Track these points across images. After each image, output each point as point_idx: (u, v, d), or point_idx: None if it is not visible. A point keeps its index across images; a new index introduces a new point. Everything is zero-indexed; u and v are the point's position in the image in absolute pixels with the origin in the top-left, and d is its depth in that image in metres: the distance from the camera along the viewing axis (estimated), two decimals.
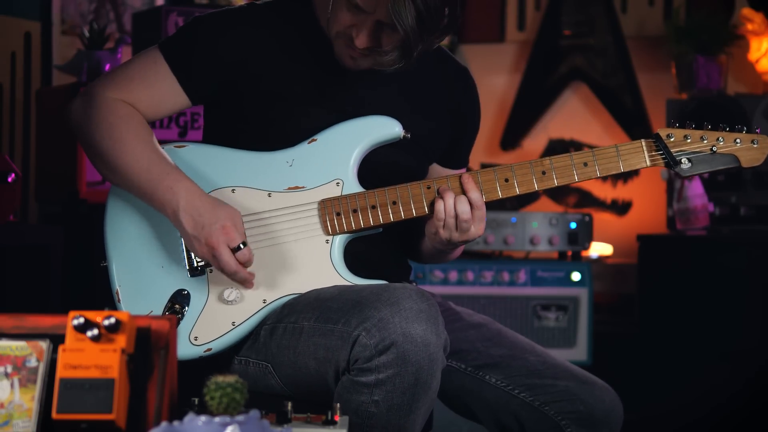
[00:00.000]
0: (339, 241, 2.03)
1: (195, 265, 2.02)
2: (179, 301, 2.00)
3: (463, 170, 2.26)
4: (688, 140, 2.04)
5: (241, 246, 1.95)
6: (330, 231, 2.03)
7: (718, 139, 2.05)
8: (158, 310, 2.00)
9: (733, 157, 2.05)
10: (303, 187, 2.05)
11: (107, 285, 2.05)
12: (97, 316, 1.48)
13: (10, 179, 2.79)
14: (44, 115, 3.44)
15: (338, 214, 2.03)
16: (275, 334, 1.98)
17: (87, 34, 3.41)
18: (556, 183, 2.05)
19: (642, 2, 4.60)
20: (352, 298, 1.90)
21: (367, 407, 1.86)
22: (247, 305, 2.00)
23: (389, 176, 2.08)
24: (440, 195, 2.01)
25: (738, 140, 2.05)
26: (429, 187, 2.04)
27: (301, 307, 1.96)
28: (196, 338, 1.98)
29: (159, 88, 2.06)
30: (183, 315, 1.98)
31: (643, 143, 2.06)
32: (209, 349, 1.98)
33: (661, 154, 2.05)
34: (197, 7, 3.39)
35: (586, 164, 2.05)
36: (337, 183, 2.05)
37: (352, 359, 1.85)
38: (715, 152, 2.05)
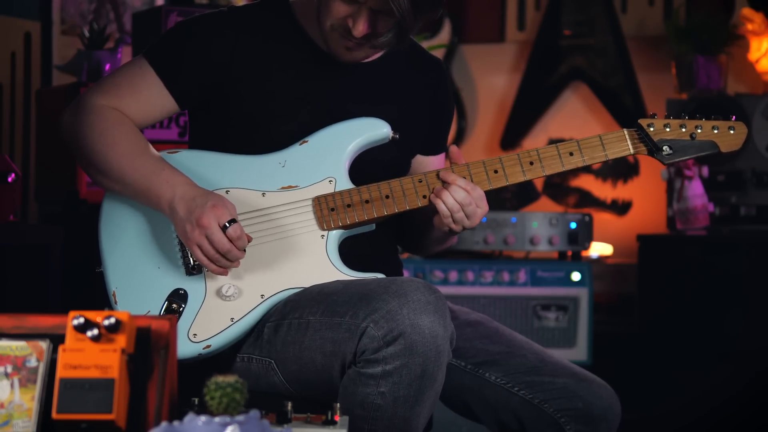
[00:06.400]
0: (334, 236, 2.05)
1: (191, 263, 2.03)
2: (176, 300, 2.00)
3: (443, 155, 2.31)
4: (668, 129, 2.11)
5: (229, 224, 1.94)
6: (325, 226, 2.05)
7: (696, 127, 2.12)
8: (155, 310, 2.00)
9: (713, 143, 2.12)
10: (296, 186, 2.07)
11: (104, 290, 2.05)
12: (97, 316, 1.48)
13: (10, 179, 2.79)
14: (44, 115, 3.44)
15: (332, 210, 2.05)
16: (280, 330, 1.99)
17: (87, 34, 3.41)
18: (544, 172, 2.10)
19: (642, 2, 4.60)
20: (358, 291, 1.92)
21: (373, 399, 1.86)
22: (245, 301, 2.01)
23: (375, 170, 2.11)
24: (436, 195, 2.04)
25: (715, 127, 2.12)
26: (420, 181, 2.08)
27: (305, 303, 1.97)
28: (195, 335, 1.98)
29: (146, 94, 2.10)
30: (180, 314, 1.99)
31: (626, 132, 2.12)
32: (208, 346, 1.98)
33: (643, 142, 2.11)
34: (197, 7, 3.39)
35: (572, 153, 2.10)
36: (330, 181, 2.07)
37: (359, 351, 1.86)
38: (694, 139, 2.11)
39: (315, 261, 2.04)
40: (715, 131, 2.11)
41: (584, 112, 4.68)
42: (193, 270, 2.03)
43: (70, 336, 1.49)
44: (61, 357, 1.47)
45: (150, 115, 2.11)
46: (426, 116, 2.25)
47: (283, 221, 2.05)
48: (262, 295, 2.02)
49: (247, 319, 2.00)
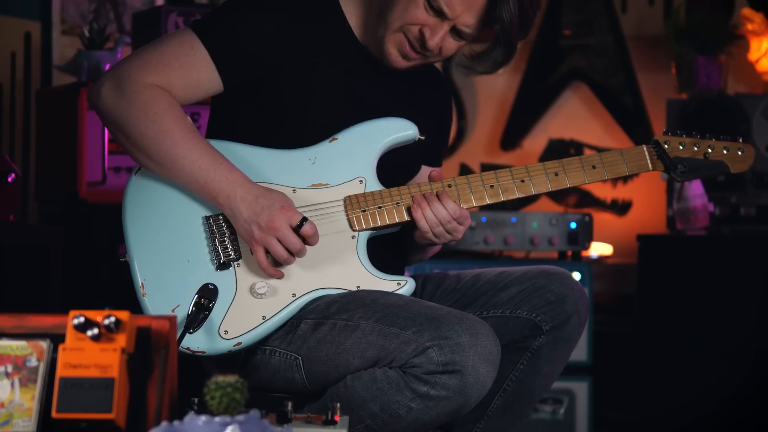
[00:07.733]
0: (363, 237, 2.06)
1: (222, 258, 2.02)
2: (206, 295, 1.97)
3: (438, 169, 2.28)
4: (682, 147, 2.16)
5: (302, 222, 1.96)
6: (356, 227, 2.05)
7: (709, 147, 2.17)
8: (185, 305, 1.97)
9: (723, 164, 2.18)
10: (326, 185, 2.08)
11: (128, 279, 2.03)
12: (97, 316, 1.48)
13: (10, 179, 2.80)
14: (44, 115, 3.44)
15: (364, 211, 2.06)
16: (320, 329, 1.99)
17: (87, 34, 3.42)
18: (568, 184, 2.12)
19: (642, 2, 4.60)
20: (426, 312, 1.93)
21: (397, 408, 1.89)
22: (277, 299, 2.01)
23: (394, 173, 2.13)
24: (416, 204, 2.05)
25: (726, 148, 2.17)
26: (450, 186, 2.09)
27: (355, 306, 1.98)
28: (226, 332, 1.97)
29: (196, 73, 2.04)
30: (210, 309, 1.97)
31: (645, 148, 2.15)
32: (239, 343, 1.98)
33: (660, 159, 2.15)
34: (197, 7, 3.40)
35: (594, 167, 2.12)
36: (360, 181, 2.08)
37: (411, 363, 1.88)
38: (707, 159, 2.16)
39: (346, 262, 2.04)
40: (726, 152, 2.17)
41: (584, 112, 4.68)
42: (224, 265, 2.02)
43: (71, 335, 1.49)
44: (62, 356, 1.47)
45: (194, 96, 2.07)
46: (437, 128, 2.26)
47: (314, 221, 2.03)
48: (294, 294, 2.02)
49: (278, 318, 2.01)
